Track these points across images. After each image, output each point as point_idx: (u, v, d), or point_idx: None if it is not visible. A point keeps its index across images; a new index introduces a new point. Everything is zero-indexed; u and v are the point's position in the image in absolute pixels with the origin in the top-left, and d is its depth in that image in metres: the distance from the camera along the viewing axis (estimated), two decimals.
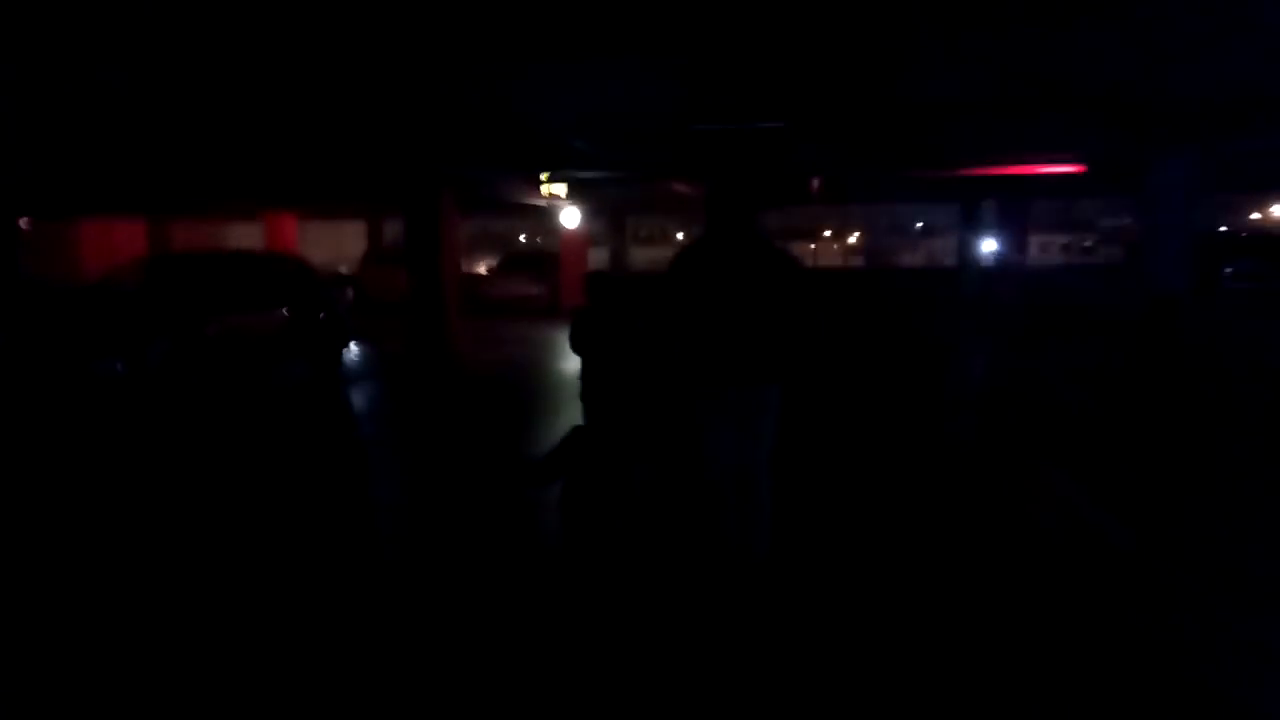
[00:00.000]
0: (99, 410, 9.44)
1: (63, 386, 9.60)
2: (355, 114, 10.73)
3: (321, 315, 12.54)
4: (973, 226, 21.75)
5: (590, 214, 22.23)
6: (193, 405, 9.90)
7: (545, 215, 21.44)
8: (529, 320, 18.41)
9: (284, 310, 11.24)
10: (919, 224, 60.07)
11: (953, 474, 6.72)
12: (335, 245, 27.14)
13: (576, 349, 5.06)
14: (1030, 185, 15.83)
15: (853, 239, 59.46)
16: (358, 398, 10.96)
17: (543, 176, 15.83)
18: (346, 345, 13.36)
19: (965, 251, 21.84)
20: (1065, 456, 7.15)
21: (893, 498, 6.06)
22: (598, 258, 27.96)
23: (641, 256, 26.98)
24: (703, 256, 4.02)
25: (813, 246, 54.96)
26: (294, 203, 17.38)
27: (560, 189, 17.90)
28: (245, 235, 24.13)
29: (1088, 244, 49.95)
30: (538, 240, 43.29)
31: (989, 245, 21.21)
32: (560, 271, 21.07)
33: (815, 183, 15.16)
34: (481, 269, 24.47)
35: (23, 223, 21.70)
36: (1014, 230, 18.81)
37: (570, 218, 20.02)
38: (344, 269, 23.35)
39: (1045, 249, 47.70)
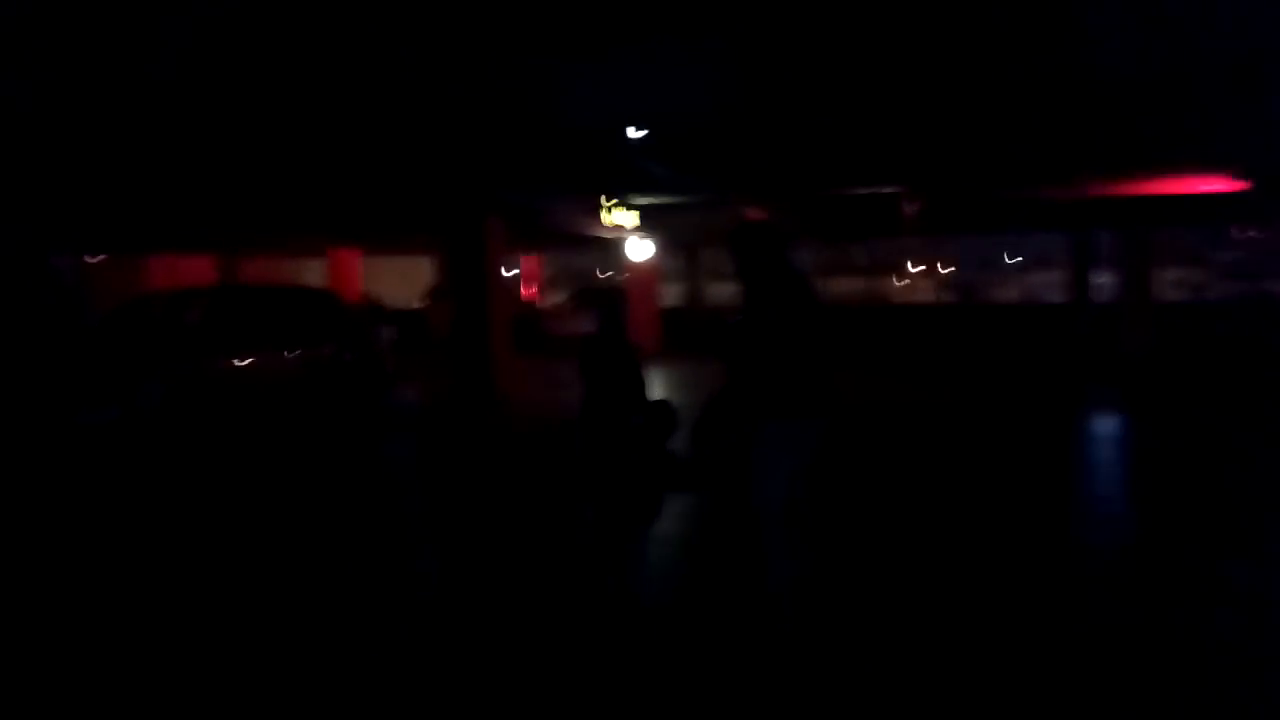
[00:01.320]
0: (87, 466, 8.11)
1: (49, 440, 8.29)
2: (388, 139, 9.35)
3: (348, 356, 11.15)
4: (1085, 259, 19.26)
5: (664, 247, 20.58)
6: (191, 456, 8.48)
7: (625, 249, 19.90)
8: None
9: (302, 350, 9.80)
10: (1012, 259, 56.59)
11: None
12: (405, 281, 26.14)
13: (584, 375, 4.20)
14: (1159, 211, 13.43)
15: (941, 273, 56.37)
16: (374, 447, 9.44)
17: (603, 201, 14.23)
18: (383, 388, 11.95)
19: (1079, 286, 19.32)
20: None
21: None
22: (671, 293, 26.27)
23: (718, 292, 25.18)
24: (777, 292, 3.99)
25: (898, 281, 52.18)
26: (336, 236, 16.26)
27: (625, 218, 16.28)
28: (312, 272, 23.25)
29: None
30: (614, 276, 41.84)
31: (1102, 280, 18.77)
32: (630, 308, 19.39)
33: (910, 207, 13.12)
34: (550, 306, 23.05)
35: (91, 259, 21.30)
36: (1133, 263, 16.29)
37: (637, 250, 18.36)
38: (415, 304, 22.30)
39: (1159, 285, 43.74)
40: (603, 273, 41.87)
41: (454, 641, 4.36)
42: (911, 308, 30.27)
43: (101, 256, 20.55)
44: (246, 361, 9.20)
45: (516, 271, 31.72)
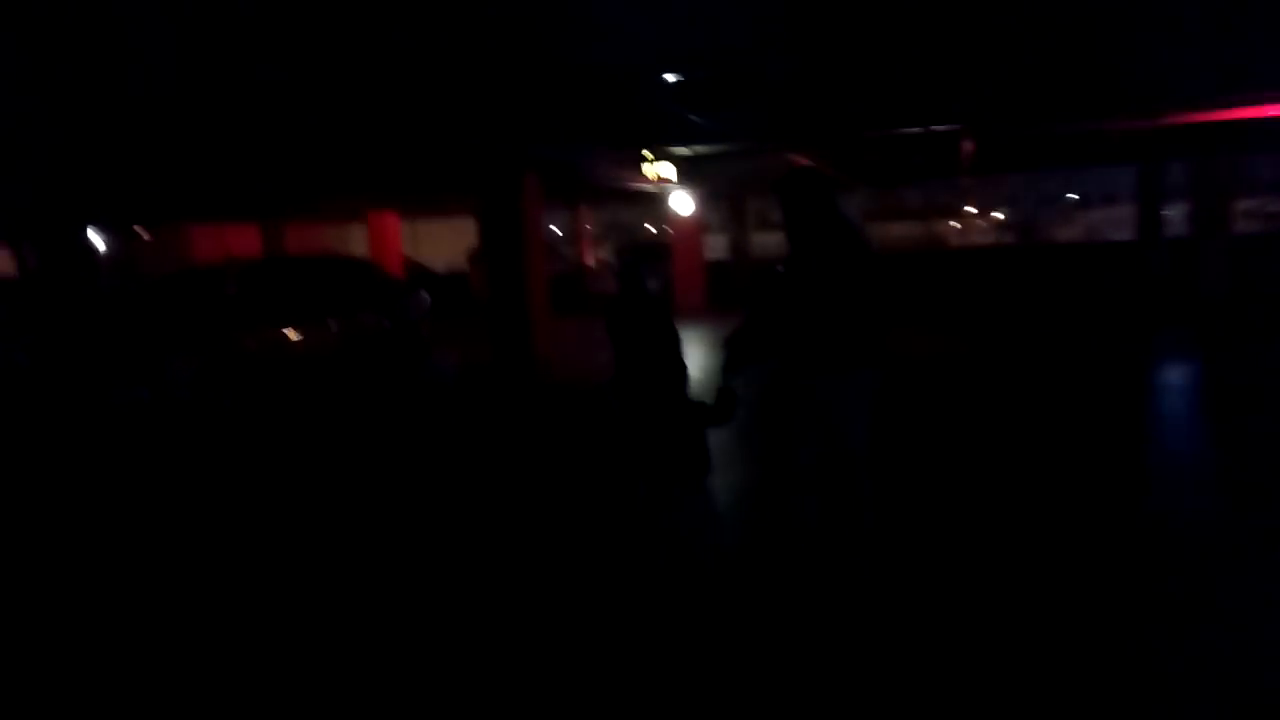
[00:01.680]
0: (122, 448, 7.92)
1: (83, 423, 8.13)
2: (417, 97, 8.87)
3: (387, 325, 10.83)
4: (1154, 193, 18.05)
5: (708, 198, 19.86)
6: (224, 435, 8.25)
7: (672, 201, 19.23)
8: None
9: (341, 321, 9.48)
10: (1073, 195, 54.23)
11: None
12: (449, 243, 25.79)
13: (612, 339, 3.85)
14: (1241, 137, 12.33)
15: (999, 215, 54.27)
16: (418, 415, 9.11)
17: (645, 154, 13.59)
18: (421, 355, 11.63)
19: (1148, 222, 18.15)
20: None
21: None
22: (717, 245, 25.54)
23: (765, 243, 24.35)
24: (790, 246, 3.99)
25: (957, 225, 50.42)
26: (373, 199, 15.87)
27: (668, 170, 15.62)
28: (355, 237, 22.98)
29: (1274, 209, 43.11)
30: (664, 229, 41.04)
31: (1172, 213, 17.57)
32: (674, 265, 18.78)
33: (968, 146, 12.24)
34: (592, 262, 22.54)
35: (141, 230, 21.32)
36: (1212, 195, 15.11)
37: (682, 203, 17.69)
38: (459, 267, 21.96)
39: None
40: (649, 227, 41.10)
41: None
42: (972, 251, 29.02)
43: (146, 229, 20.60)
44: (283, 335, 8.91)
45: (556, 230, 31.25)
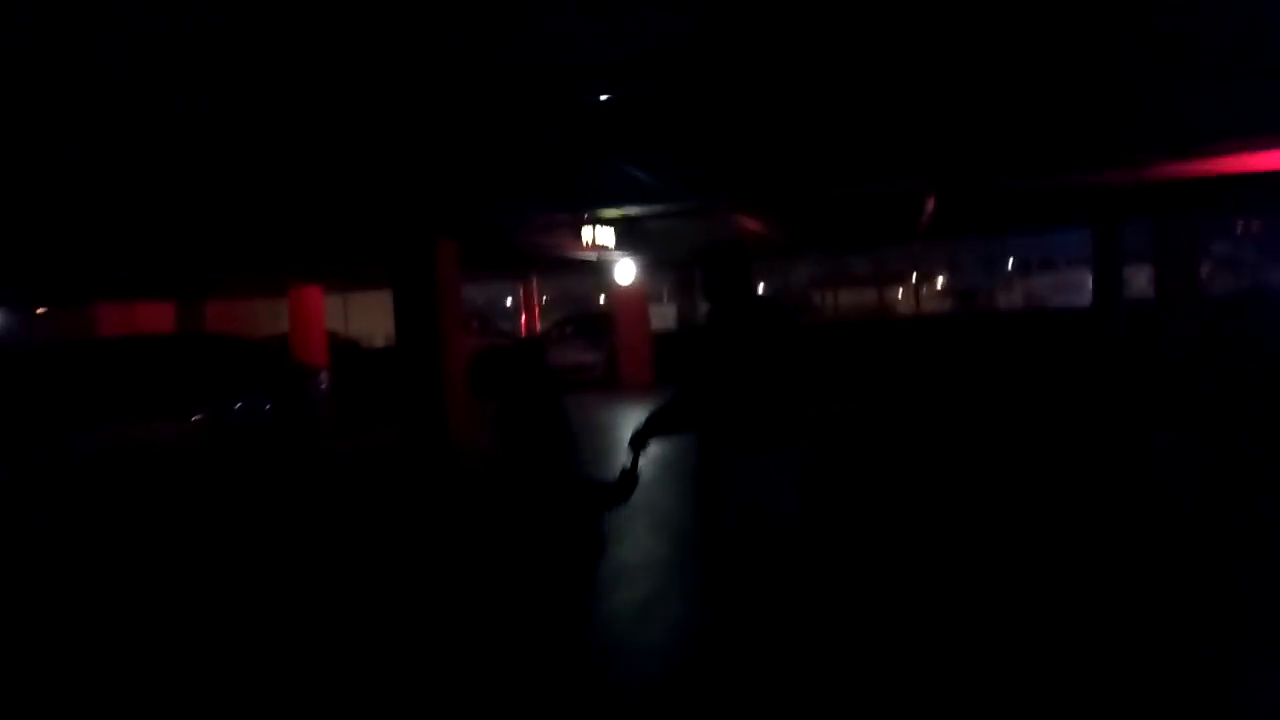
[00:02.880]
0: None
1: None
2: (312, 154, 7.47)
3: (268, 410, 9.12)
4: (1114, 255, 17.18)
5: (654, 267, 18.54)
6: (40, 554, 6.41)
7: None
8: (581, 395, 14.67)
9: (205, 409, 7.75)
10: (1017, 260, 54.39)
11: None
12: (386, 317, 24.16)
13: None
14: (1221, 195, 11.38)
15: (941, 281, 54.17)
16: (292, 517, 7.39)
17: (582, 217, 12.20)
18: (313, 447, 9.91)
19: (1106, 288, 17.23)
20: None
21: None
22: (668, 314, 24.22)
23: None
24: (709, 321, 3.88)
25: (900, 293, 50.08)
26: (286, 272, 14.29)
27: (606, 235, 14.28)
28: (284, 313, 21.17)
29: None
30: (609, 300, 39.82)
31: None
32: (616, 335, 17.35)
33: (929, 206, 11.09)
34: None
35: (38, 311, 19.35)
36: (1178, 258, 14.18)
37: (624, 272, 16.34)
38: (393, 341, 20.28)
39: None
40: (596, 297, 39.70)
41: None
42: (921, 319, 28.15)
43: (47, 307, 18.66)
44: (128, 431, 7.16)
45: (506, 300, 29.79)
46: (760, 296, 3.90)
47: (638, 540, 5.92)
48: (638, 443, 3.63)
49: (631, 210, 10.75)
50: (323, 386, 9.49)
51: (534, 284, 27.65)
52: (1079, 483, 7.12)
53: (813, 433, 3.77)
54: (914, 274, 49.80)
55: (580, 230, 13.32)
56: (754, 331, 3.66)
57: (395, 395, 10.10)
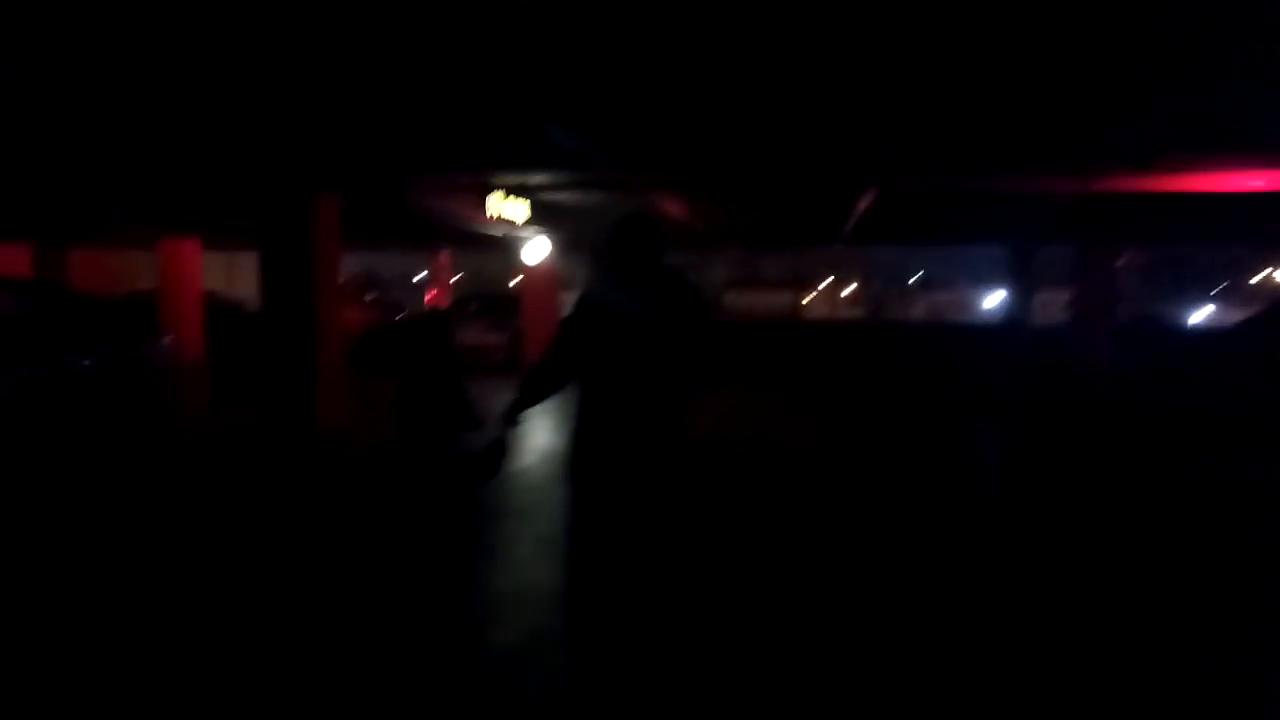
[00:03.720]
0: None
1: None
2: (181, 94, 6.11)
3: (84, 367, 7.50)
4: (1027, 275, 16.95)
5: (569, 248, 17.35)
6: None
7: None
8: (481, 379, 13.38)
9: None
10: (915, 276, 55.33)
11: None
12: None
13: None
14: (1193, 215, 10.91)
15: (848, 290, 54.60)
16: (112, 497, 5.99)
17: (490, 183, 10.95)
18: (156, 416, 8.39)
19: (1019, 305, 16.97)
20: None
21: None
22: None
23: None
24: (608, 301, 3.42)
25: (804, 299, 50.13)
26: (156, 223, 12.54)
27: (515, 209, 13.05)
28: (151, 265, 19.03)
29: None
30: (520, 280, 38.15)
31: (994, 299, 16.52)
32: (523, 318, 16.13)
33: (861, 206, 10.29)
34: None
35: None
36: (1099, 278, 13.88)
37: (535, 252, 15.13)
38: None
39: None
40: (506, 275, 38.00)
41: None
42: (831, 325, 27.80)
43: None
44: None
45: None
46: (683, 276, 3.49)
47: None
48: (511, 416, 3.45)
49: (538, 178, 9.58)
50: (166, 350, 7.99)
51: (444, 259, 26.04)
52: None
53: (687, 427, 3.46)
54: (824, 281, 50.02)
55: (485, 200, 12.05)
56: (676, 313, 3.36)
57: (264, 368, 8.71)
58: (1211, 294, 40.36)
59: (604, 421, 3.33)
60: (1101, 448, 8.70)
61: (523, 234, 14.52)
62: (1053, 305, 40.48)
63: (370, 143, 8.02)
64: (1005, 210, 11.74)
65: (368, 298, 19.23)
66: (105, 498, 6.26)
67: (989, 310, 42.51)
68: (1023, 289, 16.80)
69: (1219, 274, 41.34)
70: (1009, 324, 17.83)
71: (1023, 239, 16.46)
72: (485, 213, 12.08)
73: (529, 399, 3.43)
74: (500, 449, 3.39)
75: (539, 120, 7.93)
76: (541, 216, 13.53)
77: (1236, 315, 28.37)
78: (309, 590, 4.51)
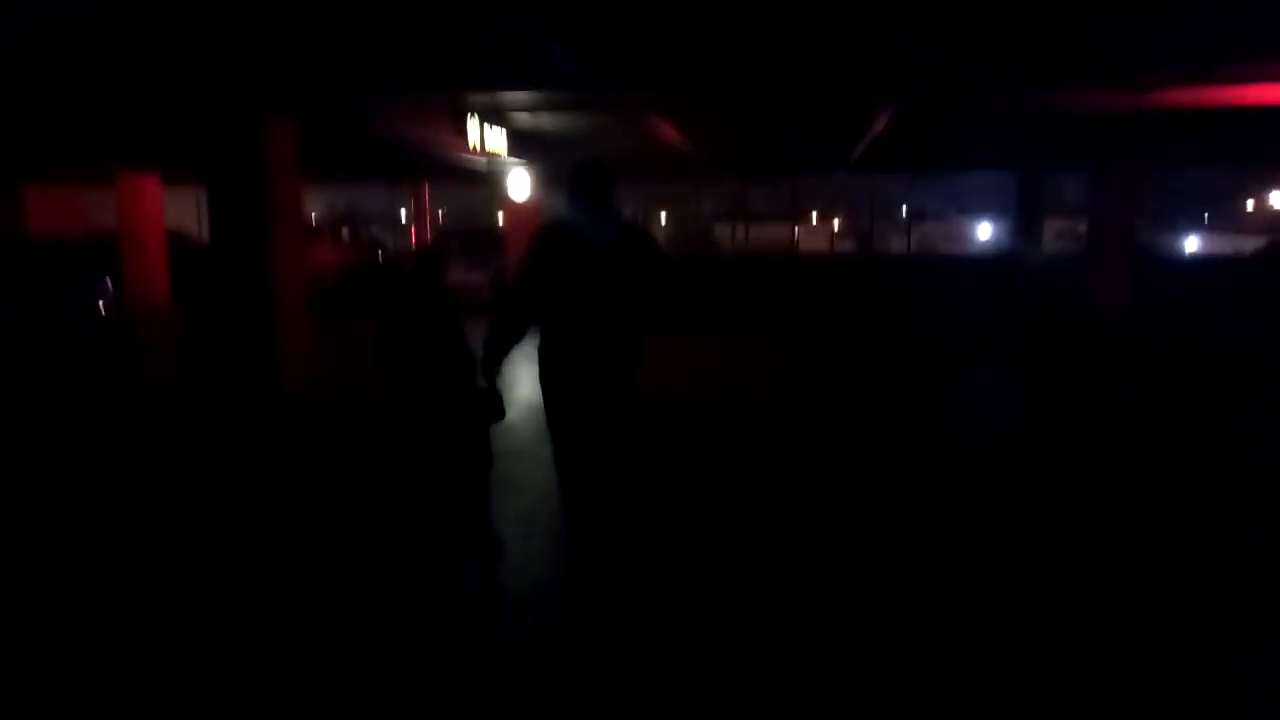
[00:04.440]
0: None
1: None
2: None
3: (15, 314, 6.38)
4: (1036, 203, 15.96)
5: (553, 183, 16.18)
6: None
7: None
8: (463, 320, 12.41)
9: None
10: (905, 207, 53.89)
11: None
12: None
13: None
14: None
15: (838, 222, 53.17)
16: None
17: (473, 127, 9.82)
18: (84, 364, 7.31)
19: (1025, 234, 16.03)
20: None
21: None
22: None
23: None
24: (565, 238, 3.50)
25: (795, 230, 48.86)
26: (104, 155, 11.33)
27: (496, 139, 11.91)
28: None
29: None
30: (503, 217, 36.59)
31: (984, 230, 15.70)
32: (507, 256, 15.05)
33: (879, 126, 9.21)
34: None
35: None
36: (1116, 207, 12.89)
37: (519, 185, 13.98)
38: None
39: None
40: (492, 212, 36.46)
41: None
42: (827, 259, 26.73)
43: None
44: None
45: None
46: (629, 219, 3.73)
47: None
48: (490, 367, 3.44)
49: (518, 98, 8.44)
50: (99, 298, 6.97)
51: (425, 194, 24.77)
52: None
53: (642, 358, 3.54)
54: (814, 213, 48.63)
55: (465, 126, 10.90)
56: (630, 250, 3.47)
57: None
58: (1204, 221, 39.35)
59: (565, 356, 3.40)
60: (1128, 399, 7.83)
61: (505, 166, 13.38)
62: (1053, 234, 39.27)
63: (325, 56, 6.88)
64: (1020, 133, 10.71)
65: (343, 235, 18.03)
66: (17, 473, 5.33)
67: (985, 241, 41.35)
68: (1033, 218, 15.80)
69: (1207, 200, 40.19)
70: (1014, 257, 16.88)
71: (1037, 163, 15.39)
72: (463, 141, 10.95)
73: (498, 347, 3.41)
74: (495, 395, 3.39)
75: (520, 29, 6.83)
76: (525, 147, 12.41)
77: (1232, 245, 27.50)
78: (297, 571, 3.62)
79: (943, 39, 6.39)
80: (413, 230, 27.51)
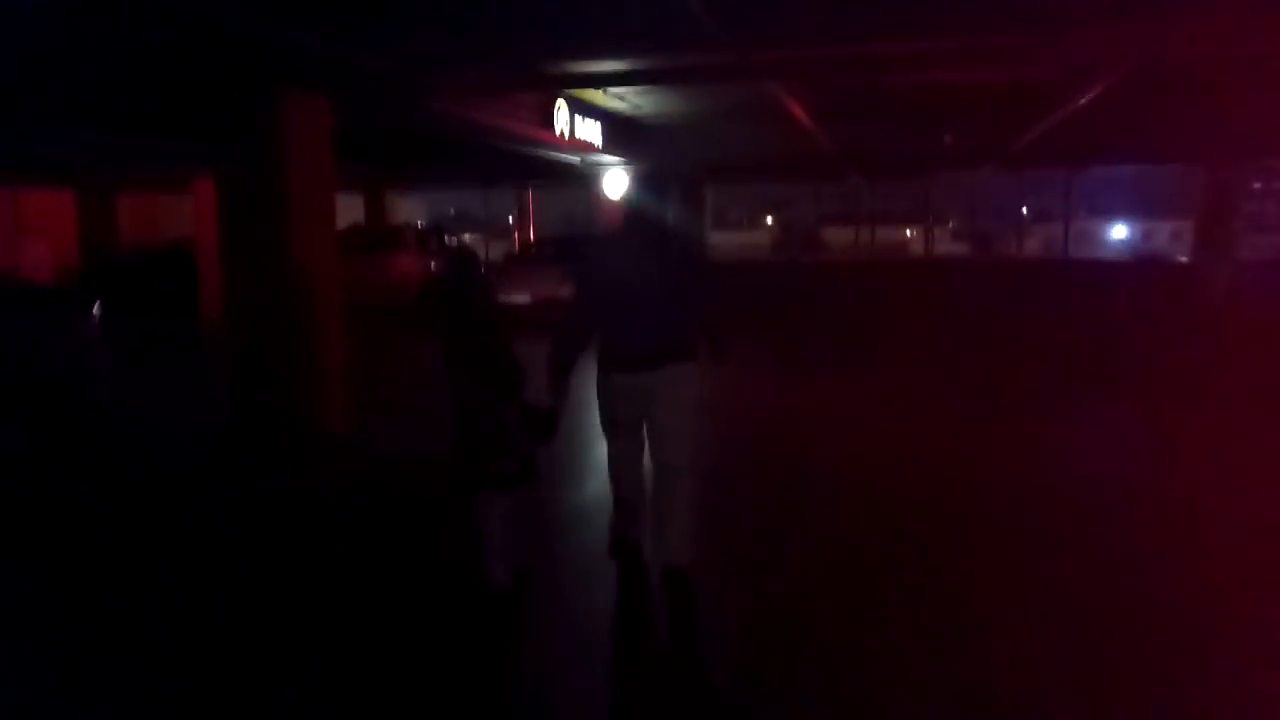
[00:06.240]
0: None
1: None
2: None
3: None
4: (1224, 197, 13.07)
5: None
6: None
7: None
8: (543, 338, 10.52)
9: None
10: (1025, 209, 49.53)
11: None
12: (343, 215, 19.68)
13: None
14: None
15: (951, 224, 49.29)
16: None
17: (561, 114, 8.03)
18: (80, 406, 5.69)
19: (1214, 234, 13.15)
20: None
21: None
22: None
23: (726, 242, 18.59)
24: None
25: (909, 233, 45.47)
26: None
27: (589, 130, 10.10)
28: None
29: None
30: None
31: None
32: None
33: (1096, 89, 6.86)
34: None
35: None
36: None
37: (615, 184, 12.17)
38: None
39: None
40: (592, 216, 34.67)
41: None
42: (1010, 263, 23.93)
43: None
44: None
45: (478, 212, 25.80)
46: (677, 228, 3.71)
47: None
48: (556, 389, 3.33)
49: (611, 66, 6.48)
50: (88, 328, 5.42)
51: (528, 198, 23.71)
52: None
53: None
54: (929, 215, 45.10)
55: (552, 113, 9.10)
56: (675, 255, 3.44)
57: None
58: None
59: (610, 352, 3.33)
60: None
61: (600, 161, 11.55)
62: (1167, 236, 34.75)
63: (360, 15, 5.13)
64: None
65: (430, 243, 16.60)
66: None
67: (1118, 243, 37.66)
68: (1220, 213, 12.93)
69: None
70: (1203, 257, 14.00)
71: (1219, 154, 12.55)
72: (553, 130, 9.17)
73: (558, 362, 3.31)
74: (551, 418, 3.20)
75: None
76: (623, 140, 10.55)
77: None
78: None
79: None
80: (515, 237, 26.27)
